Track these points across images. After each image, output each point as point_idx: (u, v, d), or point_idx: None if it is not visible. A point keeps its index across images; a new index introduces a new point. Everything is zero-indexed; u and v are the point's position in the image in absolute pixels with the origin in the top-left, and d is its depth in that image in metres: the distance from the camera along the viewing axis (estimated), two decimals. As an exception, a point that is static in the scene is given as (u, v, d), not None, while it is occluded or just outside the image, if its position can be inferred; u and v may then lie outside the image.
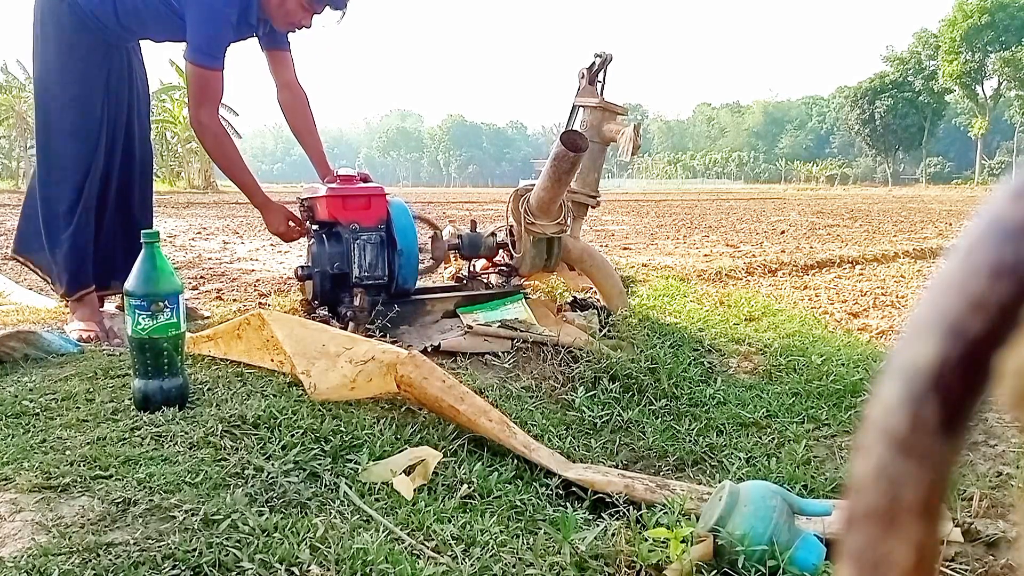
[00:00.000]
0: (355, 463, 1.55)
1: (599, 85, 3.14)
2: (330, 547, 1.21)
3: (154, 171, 3.04)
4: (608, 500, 1.61)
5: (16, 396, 1.76)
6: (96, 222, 2.65)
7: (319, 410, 1.73)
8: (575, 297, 3.07)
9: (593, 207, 3.28)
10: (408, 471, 1.55)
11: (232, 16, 2.42)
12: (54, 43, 2.49)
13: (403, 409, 1.84)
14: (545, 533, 1.41)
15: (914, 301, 3.82)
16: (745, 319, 3.28)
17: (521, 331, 2.51)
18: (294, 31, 2.61)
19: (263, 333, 1.97)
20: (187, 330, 1.83)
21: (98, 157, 2.58)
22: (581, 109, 3.14)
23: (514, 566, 1.27)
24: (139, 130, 2.76)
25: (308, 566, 1.16)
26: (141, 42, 2.74)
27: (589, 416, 2.18)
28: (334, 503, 1.41)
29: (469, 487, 1.56)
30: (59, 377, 1.94)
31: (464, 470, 1.62)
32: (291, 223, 2.67)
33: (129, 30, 2.55)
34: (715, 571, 1.32)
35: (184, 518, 1.23)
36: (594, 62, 3.13)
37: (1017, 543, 1.39)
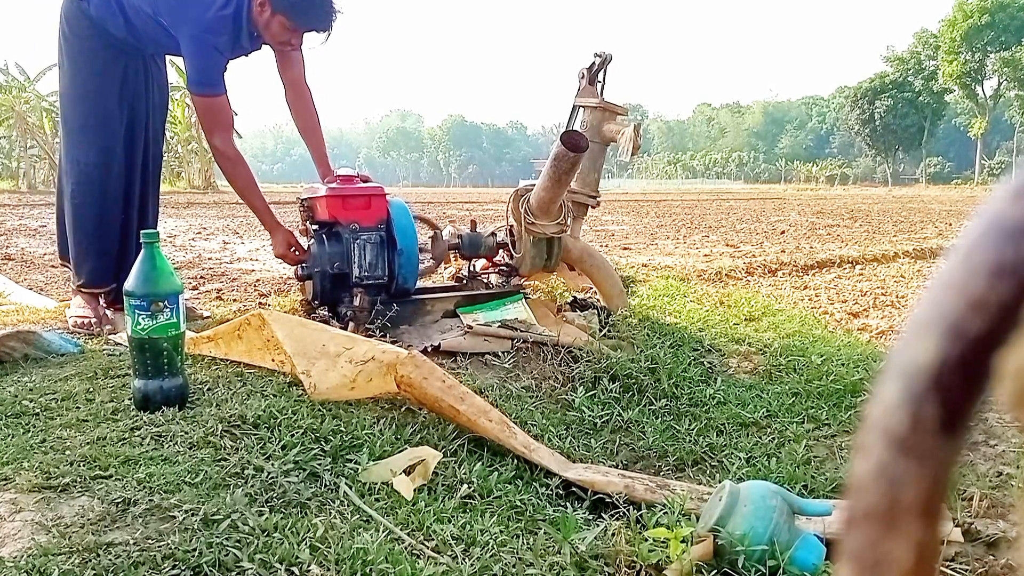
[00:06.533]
0: (355, 463, 1.55)
1: (599, 85, 3.14)
2: (330, 547, 1.21)
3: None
4: (608, 500, 1.61)
5: (16, 396, 1.76)
6: (124, 227, 2.69)
7: (319, 410, 1.73)
8: (575, 297, 3.07)
9: (593, 207, 3.28)
10: (408, 471, 1.55)
11: (221, 43, 2.47)
12: (72, 44, 2.56)
13: (403, 409, 1.84)
14: (545, 533, 1.41)
15: (914, 301, 3.82)
16: (745, 319, 3.28)
17: (521, 331, 2.50)
18: (285, 49, 2.66)
19: (263, 333, 1.97)
20: (187, 330, 1.83)
21: (115, 151, 2.60)
22: (581, 109, 3.14)
23: (514, 566, 1.27)
24: (153, 137, 2.80)
25: (308, 566, 1.16)
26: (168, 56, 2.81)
27: (589, 416, 2.18)
28: (334, 503, 1.41)
29: (469, 487, 1.56)
30: (59, 377, 1.94)
31: (464, 470, 1.62)
32: (293, 249, 2.70)
33: (142, 43, 2.60)
34: (715, 571, 1.32)
35: (184, 518, 1.23)
36: (594, 62, 3.13)
37: (1017, 543, 1.39)
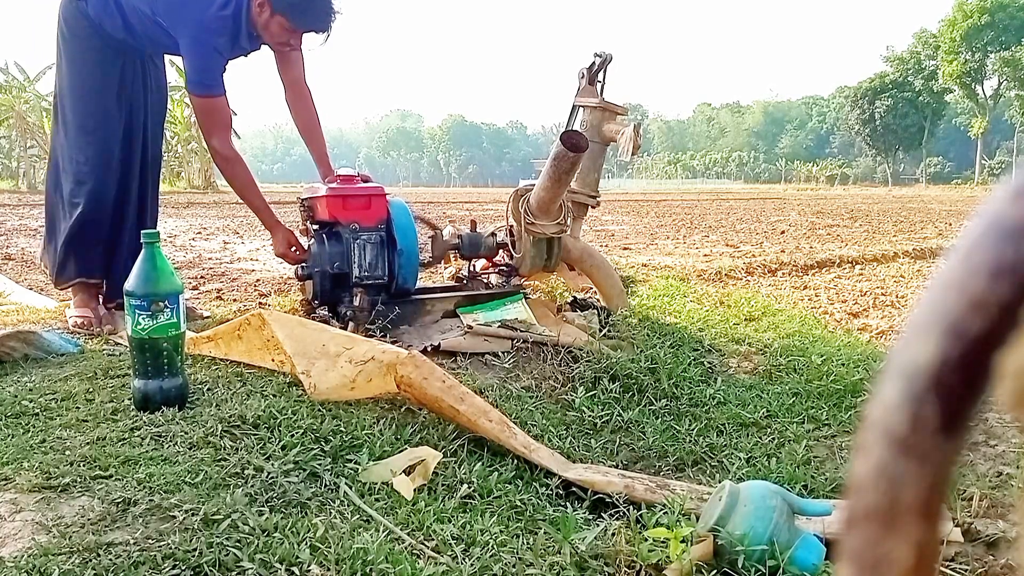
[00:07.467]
0: (355, 463, 1.55)
1: (599, 85, 3.14)
2: (330, 547, 1.21)
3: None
4: (608, 500, 1.61)
5: (16, 396, 1.76)
6: (118, 225, 2.67)
7: (319, 410, 1.73)
8: (575, 297, 3.07)
9: (593, 207, 3.28)
10: (408, 471, 1.55)
11: (220, 44, 2.48)
12: (71, 44, 2.56)
13: (403, 409, 1.83)
14: (545, 533, 1.41)
15: (914, 301, 3.82)
16: (745, 319, 3.28)
17: (521, 331, 2.50)
18: (284, 50, 2.66)
19: (263, 333, 1.97)
20: (187, 330, 1.83)
21: (112, 151, 2.60)
22: (581, 109, 3.14)
23: (514, 566, 1.27)
24: (152, 137, 2.79)
25: (308, 566, 1.16)
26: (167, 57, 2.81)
27: (589, 416, 2.18)
28: (334, 503, 1.41)
29: (469, 487, 1.56)
30: (59, 377, 1.94)
31: (464, 470, 1.62)
32: (293, 248, 2.70)
33: (140, 43, 2.60)
34: (715, 571, 1.32)
35: (184, 518, 1.23)
36: (594, 62, 3.13)
37: (1017, 543, 1.39)
